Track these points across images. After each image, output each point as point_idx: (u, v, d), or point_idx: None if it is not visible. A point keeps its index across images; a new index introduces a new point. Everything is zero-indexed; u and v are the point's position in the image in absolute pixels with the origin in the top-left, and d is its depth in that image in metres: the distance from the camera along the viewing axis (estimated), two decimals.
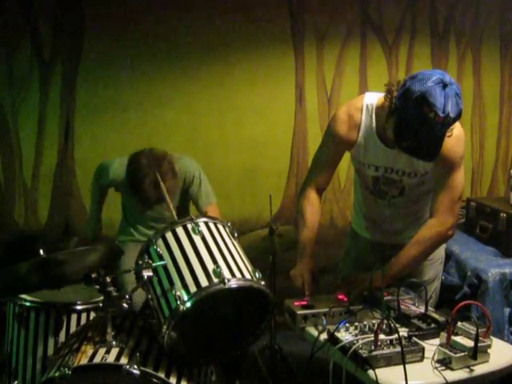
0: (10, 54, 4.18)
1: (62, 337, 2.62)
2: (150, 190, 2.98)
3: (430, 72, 2.13)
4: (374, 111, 2.39)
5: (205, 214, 3.26)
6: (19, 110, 4.25)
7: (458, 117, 2.12)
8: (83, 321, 2.67)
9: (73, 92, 4.27)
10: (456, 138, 2.29)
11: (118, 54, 4.22)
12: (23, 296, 2.66)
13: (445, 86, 2.07)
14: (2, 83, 4.21)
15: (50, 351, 2.60)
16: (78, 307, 2.66)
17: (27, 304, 2.63)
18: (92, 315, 2.69)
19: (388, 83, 2.26)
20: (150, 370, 2.08)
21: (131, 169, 3.05)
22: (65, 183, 4.31)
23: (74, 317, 2.65)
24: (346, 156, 2.62)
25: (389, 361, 1.86)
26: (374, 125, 2.40)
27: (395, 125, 2.18)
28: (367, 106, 2.41)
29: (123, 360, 2.09)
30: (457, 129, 2.30)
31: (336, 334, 1.99)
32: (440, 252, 2.73)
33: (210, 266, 2.18)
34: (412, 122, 2.10)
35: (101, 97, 4.27)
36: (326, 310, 2.18)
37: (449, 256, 2.84)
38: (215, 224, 2.41)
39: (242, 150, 4.41)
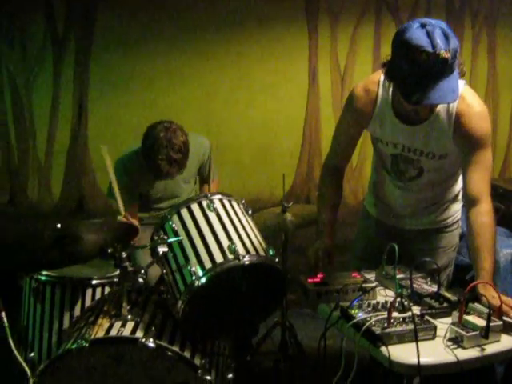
0: (23, 30, 4.19)
1: (78, 311, 2.65)
2: (163, 164, 2.98)
3: (407, 23, 2.06)
4: (391, 87, 2.32)
5: (207, 188, 3.36)
6: (33, 87, 4.26)
7: (454, 48, 2.00)
8: (98, 295, 2.70)
9: (86, 68, 4.28)
10: (479, 114, 2.25)
11: (132, 31, 4.22)
12: None
13: (423, 25, 2.00)
14: (15, 60, 4.22)
15: (66, 325, 2.64)
16: (93, 282, 2.69)
17: (43, 278, 2.67)
18: (107, 290, 2.72)
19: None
20: (165, 344, 2.12)
21: (148, 141, 3.03)
22: (78, 159, 4.34)
23: (89, 291, 2.68)
24: None
25: (401, 338, 1.87)
26: (390, 99, 2.34)
27: (399, 87, 2.12)
28: (384, 81, 2.34)
29: (139, 333, 2.14)
30: (479, 105, 2.26)
31: (349, 310, 2.01)
32: (455, 239, 2.70)
33: (225, 243, 2.21)
34: (411, 73, 2.01)
35: (114, 73, 4.28)
36: (340, 287, 2.19)
37: (460, 236, 2.84)
38: (229, 201, 2.43)
39: (255, 128, 4.42)
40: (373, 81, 2.40)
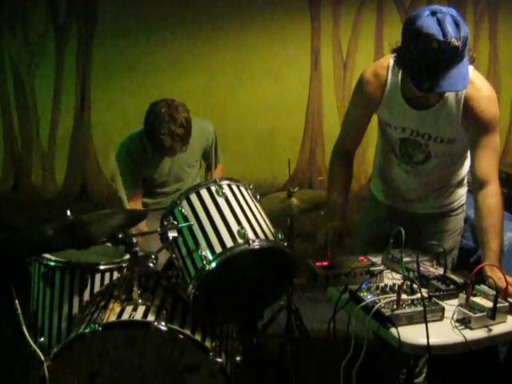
0: (25, 17, 4.20)
1: (87, 296, 2.66)
2: (166, 139, 3.00)
3: (417, 11, 2.06)
4: (400, 72, 2.32)
5: (213, 172, 3.39)
6: (35, 74, 4.29)
7: (465, 36, 2.01)
8: (106, 280, 2.71)
9: (88, 55, 4.29)
10: (488, 98, 2.26)
11: (134, 18, 4.23)
12: (48, 256, 2.71)
13: (434, 13, 2.00)
14: (18, 47, 4.24)
15: (75, 310, 2.65)
16: (102, 267, 2.70)
17: (52, 264, 2.68)
18: (115, 275, 2.74)
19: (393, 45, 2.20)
20: (176, 327, 2.15)
21: (150, 117, 3.05)
22: (81, 146, 4.36)
23: (97, 276, 2.69)
24: None
25: (410, 319, 1.90)
26: (399, 84, 2.35)
27: (409, 75, 2.12)
28: (394, 66, 2.34)
29: (150, 317, 2.16)
30: (487, 89, 2.27)
31: (358, 293, 2.04)
32: (460, 223, 2.73)
33: (235, 227, 2.22)
34: (422, 62, 2.02)
35: (116, 60, 4.31)
36: (348, 270, 2.22)
37: (465, 220, 2.86)
38: (238, 186, 2.45)
39: (257, 113, 4.44)
40: (382, 65, 2.41)
